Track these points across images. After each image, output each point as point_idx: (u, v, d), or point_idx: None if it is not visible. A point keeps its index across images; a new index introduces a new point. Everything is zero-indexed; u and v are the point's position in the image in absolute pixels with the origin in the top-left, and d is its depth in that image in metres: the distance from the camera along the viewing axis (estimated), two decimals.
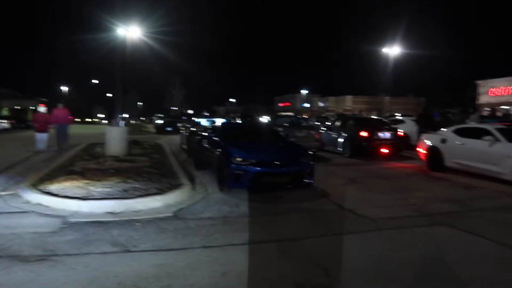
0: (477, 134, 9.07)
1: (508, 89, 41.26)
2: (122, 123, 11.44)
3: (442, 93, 49.57)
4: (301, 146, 8.33)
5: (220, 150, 7.82)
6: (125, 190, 6.73)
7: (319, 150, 12.58)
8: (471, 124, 11.50)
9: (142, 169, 8.69)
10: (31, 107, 71.88)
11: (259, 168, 7.01)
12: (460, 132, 9.74)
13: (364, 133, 12.63)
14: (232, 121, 20.78)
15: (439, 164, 10.00)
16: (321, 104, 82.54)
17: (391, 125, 15.47)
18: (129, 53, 15.34)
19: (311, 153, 7.78)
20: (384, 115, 25.64)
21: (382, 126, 13.34)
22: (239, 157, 7.10)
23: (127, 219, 5.62)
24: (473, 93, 47.27)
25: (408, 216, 6.00)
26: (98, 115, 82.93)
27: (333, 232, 5.19)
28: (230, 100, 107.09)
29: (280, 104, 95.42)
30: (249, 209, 6.34)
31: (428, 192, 7.72)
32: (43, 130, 13.03)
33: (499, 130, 8.71)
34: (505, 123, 10.27)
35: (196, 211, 6.14)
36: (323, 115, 24.95)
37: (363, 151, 12.68)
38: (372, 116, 22.55)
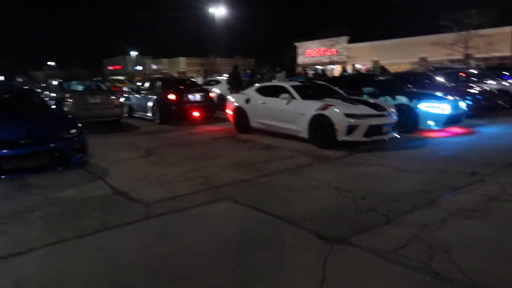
0: (276, 92, 8.81)
1: (319, 50, 45.94)
2: None
3: (267, 54, 52.38)
4: (67, 116, 6.58)
5: None
6: None
7: (120, 117, 10.89)
8: (273, 82, 11.47)
9: None
10: None
11: None
12: (262, 91, 9.40)
13: (172, 96, 11.42)
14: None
15: (245, 125, 9.57)
16: (154, 67, 79.07)
17: (205, 86, 14.74)
18: None
19: (80, 124, 6.14)
20: (213, 76, 25.04)
21: (192, 88, 12.33)
22: None
23: None
24: (293, 54, 51.32)
25: (192, 193, 5.07)
26: None
27: (78, 233, 3.82)
28: (49, 63, 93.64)
29: (110, 67, 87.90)
30: None
31: (226, 159, 7.02)
32: None
33: (294, 87, 8.56)
34: (303, 81, 10.39)
35: None
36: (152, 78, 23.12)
37: (173, 115, 11.54)
38: (185, 77, 21.73)
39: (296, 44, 50.23)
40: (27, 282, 2.95)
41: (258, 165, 6.48)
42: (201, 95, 12.00)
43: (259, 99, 9.21)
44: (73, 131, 5.87)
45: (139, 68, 74.24)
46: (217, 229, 3.89)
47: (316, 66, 41.11)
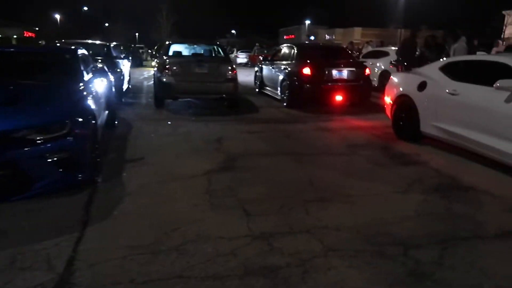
0: (484, 74, 4.47)
1: None
2: None
3: (461, 25, 42.80)
4: (70, 99, 3.74)
5: None
6: None
7: (233, 95, 7.90)
8: (480, 56, 6.76)
9: None
10: (14, 36, 66.55)
11: None
12: (454, 70, 5.09)
13: (306, 70, 7.90)
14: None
15: (412, 128, 5.50)
16: (327, 37, 75.96)
17: (367, 58, 10.66)
18: None
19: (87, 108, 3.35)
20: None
21: (341, 60, 8.46)
22: None
23: None
24: (500, 25, 40.82)
25: None
26: None
27: None
28: (233, 31, 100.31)
29: (285, 37, 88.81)
30: None
31: (360, 206, 3.34)
32: None
33: None
34: None
35: None
36: None
37: (305, 98, 8.09)
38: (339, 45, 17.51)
39: (506, 12, 39.45)
40: None
41: (434, 241, 2.64)
42: (351, 71, 8.09)
43: (445, 85, 4.97)
44: (55, 129, 3.07)
45: (312, 38, 72.30)
46: None
47: None
